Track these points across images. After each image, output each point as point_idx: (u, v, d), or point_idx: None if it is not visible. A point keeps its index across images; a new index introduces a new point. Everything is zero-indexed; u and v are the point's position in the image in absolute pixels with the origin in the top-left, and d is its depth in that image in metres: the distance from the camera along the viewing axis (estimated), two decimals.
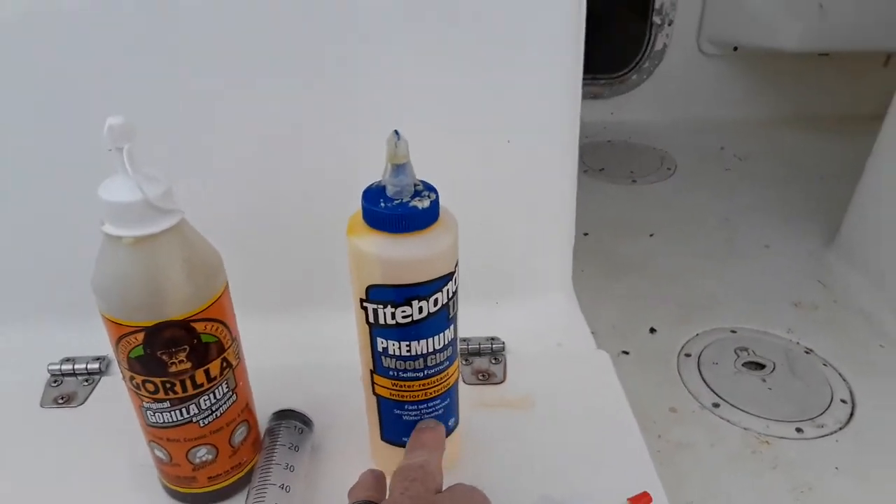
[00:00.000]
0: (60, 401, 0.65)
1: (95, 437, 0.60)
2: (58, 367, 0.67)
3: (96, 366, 0.67)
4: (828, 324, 1.08)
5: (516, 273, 0.73)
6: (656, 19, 1.65)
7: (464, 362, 0.67)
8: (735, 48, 1.65)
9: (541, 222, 0.72)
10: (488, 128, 0.65)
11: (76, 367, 0.67)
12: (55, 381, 0.67)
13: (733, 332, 1.08)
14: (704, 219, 1.38)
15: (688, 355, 1.04)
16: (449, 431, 0.54)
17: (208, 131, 0.65)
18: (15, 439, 0.61)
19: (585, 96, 1.80)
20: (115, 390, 0.52)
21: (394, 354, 0.49)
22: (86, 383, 0.66)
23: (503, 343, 0.68)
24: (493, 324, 0.70)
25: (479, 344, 0.67)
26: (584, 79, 0.68)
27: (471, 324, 0.68)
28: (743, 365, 1.01)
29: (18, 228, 0.70)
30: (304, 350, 0.68)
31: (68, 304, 0.63)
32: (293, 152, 0.66)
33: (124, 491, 0.56)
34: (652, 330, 1.09)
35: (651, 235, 1.34)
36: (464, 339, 0.68)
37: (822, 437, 0.89)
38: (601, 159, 1.61)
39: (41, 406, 0.64)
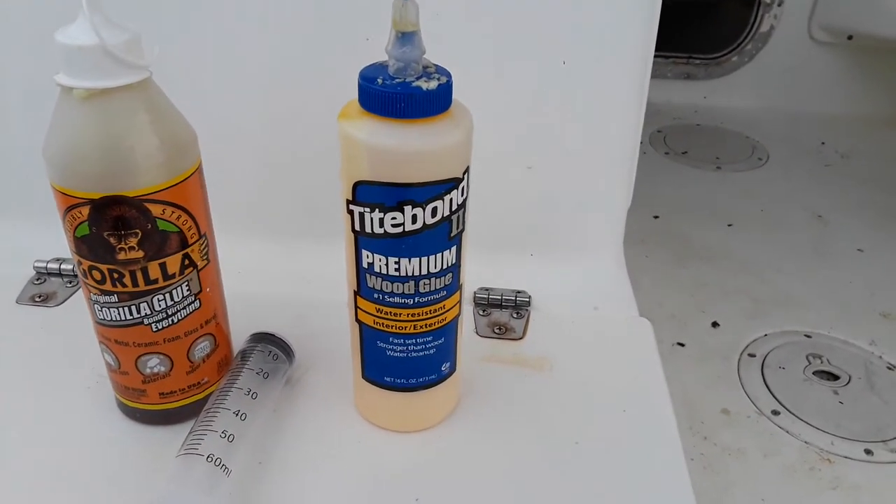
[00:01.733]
0: (38, 299, 0.59)
1: (59, 340, 0.55)
2: (44, 264, 0.62)
3: None
4: None
5: (557, 225, 0.64)
6: None
7: (480, 312, 0.58)
8: (850, 37, 1.49)
9: (594, 171, 0.62)
10: (541, 41, 0.55)
11: (63, 266, 0.62)
12: (38, 279, 0.62)
13: (808, 336, 0.95)
14: (794, 214, 1.25)
15: (752, 355, 0.92)
16: (442, 378, 0.46)
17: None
18: None
19: (678, 76, 1.68)
20: None
21: (380, 272, 0.41)
22: (69, 285, 0.61)
23: (529, 297, 0.59)
24: (522, 277, 0.61)
25: (502, 295, 0.59)
26: (678, 58, 0.58)
27: (497, 273, 0.60)
28: (814, 373, 0.89)
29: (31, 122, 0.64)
30: (306, 283, 0.61)
31: None
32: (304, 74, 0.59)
33: (74, 398, 0.50)
34: (715, 324, 0.98)
35: (730, 225, 1.21)
36: (485, 289, 0.59)
37: (895, 462, 0.77)
38: (685, 142, 1.49)
39: (16, 302, 0.59)
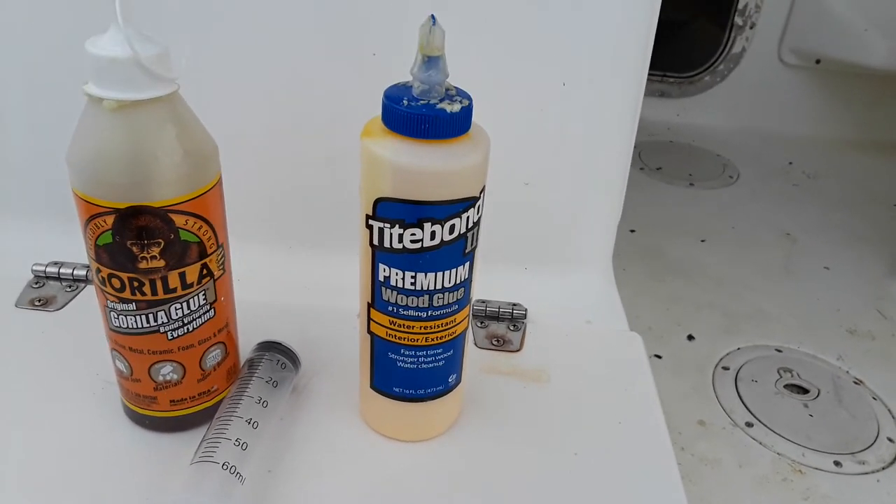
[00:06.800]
0: (37, 303, 0.59)
1: (61, 345, 0.55)
2: (43, 268, 0.62)
3: (83, 273, 0.62)
4: (883, 356, 0.99)
5: (551, 239, 0.66)
6: (738, 20, 1.56)
7: (478, 324, 0.60)
8: (818, 61, 1.54)
9: (587, 188, 0.64)
10: (542, 63, 0.57)
11: (62, 270, 0.62)
12: (37, 283, 0.61)
13: (779, 350, 0.99)
14: (763, 231, 1.29)
15: (725, 368, 0.95)
16: (448, 389, 0.47)
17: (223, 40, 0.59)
18: None
19: (652, 94, 1.72)
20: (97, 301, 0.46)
21: (395, 286, 0.42)
22: (69, 289, 0.61)
23: (525, 310, 0.60)
24: (517, 290, 0.63)
25: (499, 308, 0.60)
26: (652, 76, 0.60)
27: (493, 286, 0.62)
28: (785, 387, 0.92)
29: (30, 123, 0.64)
30: (311, 292, 0.62)
31: (67, 206, 0.57)
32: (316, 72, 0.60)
33: (79, 404, 0.50)
34: (690, 337, 1.01)
35: (703, 241, 1.25)
36: (482, 301, 0.61)
37: (863, 474, 0.80)
38: (660, 159, 1.53)
39: (15, 306, 0.59)
